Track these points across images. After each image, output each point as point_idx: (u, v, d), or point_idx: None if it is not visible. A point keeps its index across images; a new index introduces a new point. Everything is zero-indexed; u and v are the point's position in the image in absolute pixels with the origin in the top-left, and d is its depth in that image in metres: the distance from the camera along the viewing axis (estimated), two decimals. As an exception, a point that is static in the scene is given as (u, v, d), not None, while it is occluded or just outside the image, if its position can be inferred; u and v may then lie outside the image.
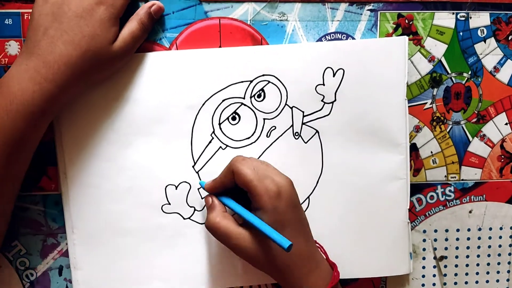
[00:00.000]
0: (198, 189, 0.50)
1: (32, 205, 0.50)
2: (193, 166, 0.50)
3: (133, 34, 0.45)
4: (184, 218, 0.50)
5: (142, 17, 0.46)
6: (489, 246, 0.55)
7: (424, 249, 0.55)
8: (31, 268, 0.51)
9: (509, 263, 0.56)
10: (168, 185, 0.50)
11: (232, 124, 0.50)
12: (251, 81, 0.49)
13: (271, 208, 0.43)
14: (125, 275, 0.50)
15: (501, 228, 0.55)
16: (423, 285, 0.55)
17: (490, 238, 0.55)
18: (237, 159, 0.45)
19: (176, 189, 0.50)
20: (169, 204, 0.50)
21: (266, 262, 0.44)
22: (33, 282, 0.51)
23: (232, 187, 0.46)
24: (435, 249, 0.55)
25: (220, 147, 0.50)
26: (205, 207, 0.48)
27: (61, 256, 0.51)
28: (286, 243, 0.41)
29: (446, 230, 0.55)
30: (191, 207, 0.50)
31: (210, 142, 0.50)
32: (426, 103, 0.52)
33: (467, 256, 0.55)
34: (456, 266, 0.55)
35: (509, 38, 0.52)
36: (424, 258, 0.55)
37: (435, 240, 0.55)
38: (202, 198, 0.50)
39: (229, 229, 0.44)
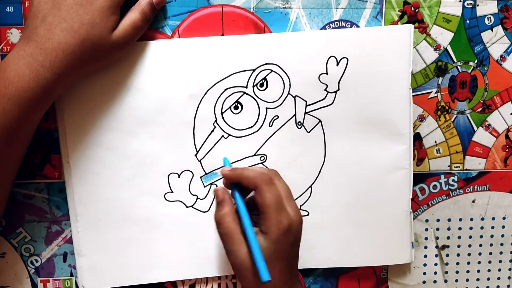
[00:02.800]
0: (201, 177, 0.50)
1: (36, 193, 0.50)
2: (195, 155, 0.50)
3: (134, 24, 0.44)
4: (187, 206, 0.51)
5: (144, 8, 0.45)
6: (492, 236, 0.55)
7: (426, 238, 0.55)
8: (36, 254, 0.52)
9: (511, 252, 0.56)
10: (171, 173, 0.50)
11: (234, 113, 0.50)
12: (253, 70, 0.49)
13: (275, 240, 0.43)
14: (129, 262, 0.51)
15: (504, 218, 0.55)
16: (424, 273, 0.55)
17: (492, 227, 0.55)
18: (267, 179, 0.45)
19: (178, 177, 0.50)
20: (172, 192, 0.50)
21: (251, 281, 0.44)
22: (37, 268, 0.52)
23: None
24: (437, 238, 0.55)
25: (223, 136, 0.50)
26: (214, 199, 0.49)
27: (66, 243, 0.52)
28: (265, 277, 0.41)
29: (449, 220, 0.54)
30: (193, 195, 0.51)
31: (212, 131, 0.50)
32: (431, 92, 0.52)
33: (469, 246, 0.55)
34: (458, 255, 0.55)
35: (517, 26, 0.51)
36: (426, 247, 0.55)
37: (437, 229, 0.55)
38: (204, 187, 0.51)
39: (234, 232, 0.45)
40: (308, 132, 0.51)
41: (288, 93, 0.50)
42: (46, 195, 0.51)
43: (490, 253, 0.55)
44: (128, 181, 0.50)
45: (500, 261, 0.56)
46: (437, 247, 0.55)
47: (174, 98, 0.49)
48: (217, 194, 0.47)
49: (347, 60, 0.49)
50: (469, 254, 0.55)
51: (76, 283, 0.52)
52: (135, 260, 0.51)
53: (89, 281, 0.51)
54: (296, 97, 0.50)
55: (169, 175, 0.50)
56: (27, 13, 0.46)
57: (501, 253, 0.56)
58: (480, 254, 0.55)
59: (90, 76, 0.47)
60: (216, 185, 0.51)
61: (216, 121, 0.50)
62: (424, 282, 0.55)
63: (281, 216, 0.43)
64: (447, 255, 0.55)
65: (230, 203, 0.46)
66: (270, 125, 0.50)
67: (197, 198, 0.51)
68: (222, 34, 0.49)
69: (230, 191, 0.47)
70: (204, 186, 0.51)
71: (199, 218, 0.51)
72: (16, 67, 0.41)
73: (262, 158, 0.51)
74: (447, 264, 0.55)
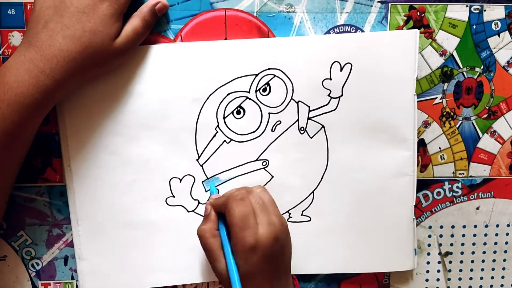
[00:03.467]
0: (203, 182, 0.50)
1: (37, 196, 0.50)
2: (197, 160, 0.50)
3: (136, 31, 0.44)
4: (188, 211, 0.50)
5: (146, 15, 0.45)
6: (495, 243, 0.55)
7: (429, 245, 0.54)
8: (37, 257, 0.51)
9: (515, 260, 0.55)
10: (173, 178, 0.50)
11: (236, 118, 0.49)
12: (256, 75, 0.48)
13: (242, 258, 0.43)
14: (130, 266, 0.51)
15: (508, 225, 0.54)
16: (427, 280, 0.55)
17: (496, 235, 0.54)
18: (237, 195, 0.45)
19: (180, 182, 0.50)
20: (173, 197, 0.50)
21: None
22: (38, 271, 0.52)
23: None
24: (440, 245, 0.54)
25: (225, 141, 0.50)
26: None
27: (67, 246, 0.51)
28: None
29: (452, 226, 0.54)
30: (195, 200, 0.50)
31: (214, 136, 0.49)
32: (436, 98, 0.51)
33: (473, 253, 0.55)
34: (461, 262, 0.55)
35: (525, 32, 0.50)
36: (429, 254, 0.54)
37: (441, 236, 0.54)
38: (206, 191, 0.50)
39: (212, 249, 0.45)
40: (311, 138, 0.50)
41: (291, 98, 0.49)
42: (47, 198, 0.50)
43: (494, 261, 0.55)
44: (129, 185, 0.50)
45: (503, 269, 0.55)
46: (440, 254, 0.54)
47: (176, 102, 0.48)
48: (206, 208, 0.48)
49: (351, 65, 0.48)
50: (472, 261, 0.55)
51: (77, 286, 0.52)
52: (136, 264, 0.51)
53: (90, 285, 0.51)
54: (299, 102, 0.49)
55: (170, 179, 0.50)
56: (29, 17, 0.46)
57: (504, 260, 0.55)
58: (483, 261, 0.55)
59: (91, 82, 0.46)
60: (218, 190, 0.50)
61: (218, 125, 0.49)
62: (426, 288, 0.55)
63: (245, 234, 0.43)
64: (450, 262, 0.55)
65: (212, 220, 0.47)
66: (272, 130, 0.50)
67: (199, 202, 0.50)
68: (225, 38, 0.48)
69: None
70: (206, 191, 0.50)
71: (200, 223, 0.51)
72: (16, 72, 0.41)
73: (264, 163, 0.50)
74: (450, 271, 0.55)
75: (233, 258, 0.44)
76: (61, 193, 0.50)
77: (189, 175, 0.50)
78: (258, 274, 0.43)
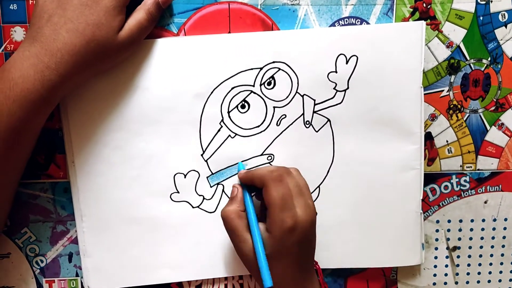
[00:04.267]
0: (207, 177, 0.50)
1: (41, 193, 0.50)
2: (201, 155, 0.49)
3: (140, 24, 0.44)
4: (193, 207, 0.50)
5: (150, 7, 0.44)
6: (504, 237, 0.54)
7: (437, 239, 0.54)
8: (41, 254, 0.51)
9: (524, 254, 0.55)
10: (177, 173, 0.49)
11: (241, 112, 0.49)
12: (261, 68, 0.48)
13: (278, 239, 0.43)
14: (134, 262, 0.50)
15: (517, 219, 0.54)
16: (434, 275, 0.54)
17: (505, 229, 0.54)
18: (275, 176, 0.44)
19: (184, 177, 0.49)
20: (178, 192, 0.50)
21: (256, 274, 0.44)
22: (43, 268, 0.51)
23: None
24: (448, 239, 0.54)
25: (229, 135, 0.49)
26: (220, 199, 0.50)
27: (71, 243, 0.51)
28: (267, 283, 0.42)
29: (460, 221, 0.53)
30: (200, 195, 0.50)
31: (219, 130, 0.49)
32: (442, 90, 0.51)
33: (481, 247, 0.54)
34: (469, 256, 0.54)
35: (532, 23, 0.50)
36: (436, 249, 0.54)
37: (448, 230, 0.53)
38: (211, 187, 0.50)
39: (238, 229, 0.45)
40: (317, 132, 0.50)
41: (296, 92, 0.49)
42: (51, 195, 0.50)
43: (502, 255, 0.54)
44: (133, 181, 0.49)
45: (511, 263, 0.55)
46: (448, 248, 0.54)
47: (180, 97, 0.48)
48: (232, 190, 0.48)
49: (357, 58, 0.48)
50: (480, 256, 0.54)
51: (81, 283, 0.52)
52: (141, 260, 0.51)
53: (95, 282, 0.50)
54: (304, 96, 0.49)
55: (175, 175, 0.49)
56: (31, 12, 0.46)
57: (513, 254, 0.55)
58: (491, 255, 0.54)
59: (95, 76, 0.46)
60: (223, 185, 0.50)
61: (222, 120, 0.49)
62: (434, 284, 0.54)
63: (285, 215, 0.42)
64: (458, 257, 0.54)
65: (239, 201, 0.46)
66: (277, 124, 0.49)
67: (204, 198, 0.50)
68: (229, 32, 0.48)
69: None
70: (211, 186, 0.50)
71: (205, 218, 0.50)
72: (21, 68, 0.41)
73: (269, 158, 0.50)
74: (458, 265, 0.54)
75: (261, 239, 0.44)
76: (65, 189, 0.50)
77: (194, 170, 0.50)
78: (288, 256, 0.43)
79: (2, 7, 0.46)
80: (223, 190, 0.50)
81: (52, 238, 0.51)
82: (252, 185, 0.46)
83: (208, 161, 0.49)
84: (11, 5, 0.46)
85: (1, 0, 0.46)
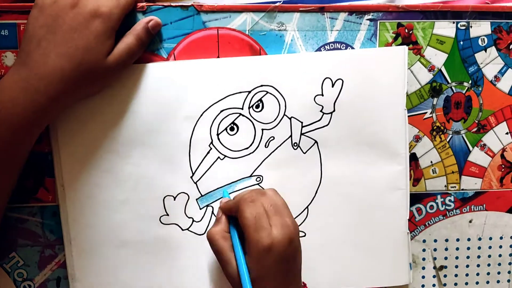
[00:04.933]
0: (197, 199, 0.50)
1: (29, 217, 0.50)
2: (191, 177, 0.50)
3: (130, 49, 0.44)
4: (182, 229, 0.50)
5: (140, 32, 0.45)
6: (489, 256, 0.55)
7: (424, 259, 0.54)
8: (29, 279, 0.51)
9: (509, 272, 0.55)
10: (166, 196, 0.50)
11: (230, 135, 0.50)
12: (249, 92, 0.49)
13: (255, 260, 0.42)
14: (123, 286, 0.50)
15: (501, 238, 0.55)
16: (422, 294, 0.55)
17: (490, 247, 0.55)
18: (247, 197, 0.45)
19: (174, 200, 0.50)
20: (167, 215, 0.50)
21: None
22: (31, 293, 0.51)
23: None
24: (434, 258, 0.54)
25: (219, 157, 0.50)
26: (209, 221, 0.50)
27: (59, 268, 0.51)
28: None
29: (446, 240, 0.54)
30: (189, 218, 0.50)
31: (208, 152, 0.50)
32: (426, 112, 0.52)
33: (467, 266, 0.55)
34: (456, 275, 0.55)
35: (510, 47, 0.52)
36: (423, 268, 0.54)
37: (435, 249, 0.54)
38: (200, 209, 0.50)
39: (223, 250, 0.44)
40: (304, 153, 0.50)
41: (284, 114, 0.50)
42: (40, 219, 0.50)
43: (488, 273, 0.55)
44: (123, 204, 0.49)
45: (498, 281, 0.55)
46: (435, 267, 0.55)
47: (169, 120, 0.49)
48: (218, 211, 0.48)
49: (342, 81, 0.49)
50: (467, 275, 0.55)
51: (69, 308, 0.51)
52: (130, 284, 0.50)
53: (83, 306, 0.50)
54: (292, 118, 0.50)
55: (164, 197, 0.50)
56: (22, 37, 0.46)
57: (498, 273, 0.55)
58: (478, 274, 0.55)
59: (84, 99, 0.47)
60: (213, 207, 0.50)
61: (212, 142, 0.49)
62: (422, 303, 0.55)
63: (259, 235, 0.42)
64: (445, 276, 0.55)
65: (223, 222, 0.46)
66: (266, 146, 0.50)
67: (193, 220, 0.50)
68: (218, 57, 0.49)
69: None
70: (200, 209, 0.50)
71: (195, 241, 0.50)
72: (10, 91, 0.41)
73: (258, 179, 0.50)
74: (445, 285, 0.55)
75: (245, 261, 0.43)
76: (53, 213, 0.50)
77: (183, 192, 0.50)
78: (270, 277, 0.42)
79: (-7, 33, 0.47)
80: (212, 212, 0.50)
81: (40, 263, 0.51)
82: (232, 214, 0.46)
83: (197, 183, 0.50)
84: (2, 30, 0.47)
85: (-8, 26, 0.47)
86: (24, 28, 0.46)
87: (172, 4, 0.48)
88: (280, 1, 0.49)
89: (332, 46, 0.50)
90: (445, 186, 0.53)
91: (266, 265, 0.42)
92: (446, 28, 0.51)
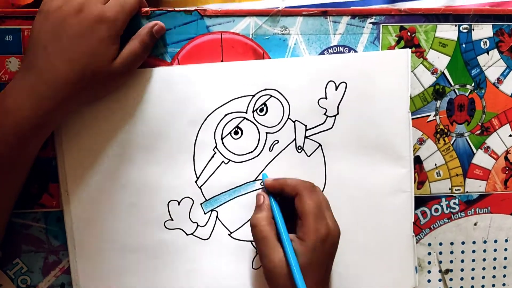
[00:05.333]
0: (201, 204, 0.50)
1: (33, 222, 0.50)
2: (195, 181, 0.50)
3: (134, 53, 0.45)
4: (187, 234, 0.50)
5: (144, 37, 0.45)
6: (495, 259, 0.55)
7: (429, 263, 0.54)
8: (33, 285, 0.50)
9: (515, 275, 0.55)
10: (171, 200, 0.50)
11: (234, 139, 0.50)
12: (253, 96, 0.49)
13: (311, 247, 0.42)
14: (128, 292, 0.50)
15: (506, 240, 0.54)
16: (428, 298, 0.55)
17: (495, 250, 0.55)
18: (308, 186, 0.45)
19: (178, 204, 0.50)
20: (172, 220, 0.50)
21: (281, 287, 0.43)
22: (34, 300, 0.51)
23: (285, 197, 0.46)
24: (440, 262, 0.54)
25: (223, 161, 0.50)
26: (214, 226, 0.50)
27: (63, 274, 0.50)
28: (302, 286, 0.41)
29: (451, 243, 0.54)
30: (194, 222, 0.50)
31: (212, 156, 0.50)
32: (429, 115, 0.52)
33: (473, 269, 0.55)
34: (462, 279, 0.55)
35: (512, 50, 0.52)
36: (429, 272, 0.54)
37: (440, 253, 0.54)
38: (205, 214, 0.50)
39: (269, 237, 0.44)
40: (308, 156, 0.50)
41: (288, 118, 0.50)
42: (44, 224, 0.50)
43: (494, 277, 0.55)
44: (127, 209, 0.49)
45: (504, 284, 0.55)
46: (440, 271, 0.54)
47: (173, 124, 0.49)
48: (258, 198, 0.48)
49: (346, 84, 0.49)
50: (472, 278, 0.55)
51: (73, 315, 0.51)
52: (135, 290, 0.50)
53: (87, 313, 0.50)
54: (296, 122, 0.50)
55: (168, 202, 0.49)
56: (26, 43, 0.46)
57: (504, 276, 0.55)
58: (483, 277, 0.55)
59: (89, 104, 0.47)
60: (217, 212, 0.50)
61: (216, 146, 0.49)
62: (428, 307, 0.55)
63: (320, 224, 0.43)
64: (451, 280, 0.54)
65: (267, 209, 0.46)
66: (270, 150, 0.50)
67: (198, 225, 0.50)
68: (222, 61, 0.49)
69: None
70: (205, 213, 0.50)
71: (200, 246, 0.50)
72: (16, 97, 0.41)
73: (262, 183, 0.50)
74: (451, 288, 0.55)
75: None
76: (57, 218, 0.50)
77: (188, 197, 0.50)
78: (318, 266, 0.43)
79: (-3, 38, 0.47)
80: (217, 217, 0.50)
81: (44, 269, 0.50)
82: (281, 193, 0.46)
83: (202, 187, 0.50)
84: (7, 36, 0.47)
85: (-4, 32, 0.47)
86: (28, 34, 0.47)
87: (176, 9, 0.48)
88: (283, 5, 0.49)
89: (335, 49, 0.50)
90: (449, 188, 0.53)
91: (318, 254, 0.43)
92: (448, 31, 0.51)
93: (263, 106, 0.49)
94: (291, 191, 0.45)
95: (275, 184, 0.47)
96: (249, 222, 0.46)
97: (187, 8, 0.48)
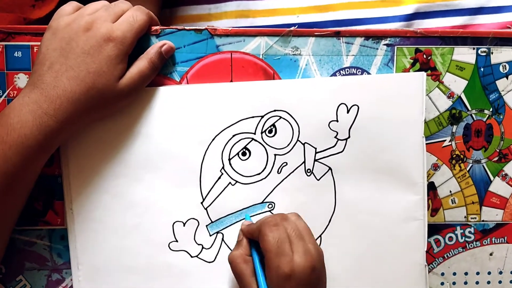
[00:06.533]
0: (207, 226, 0.49)
1: (38, 240, 0.49)
2: (201, 203, 0.49)
3: (142, 72, 0.44)
4: (191, 256, 0.49)
5: (153, 57, 0.45)
6: (511, 291, 0.52)
7: (442, 293, 0.52)
8: (35, 304, 0.50)
9: (532, 308, 0.53)
10: (176, 221, 0.49)
11: (242, 160, 0.49)
12: (262, 116, 0.48)
13: (275, 286, 0.41)
14: (130, 314, 0.49)
15: (523, 272, 0.52)
16: (440, 330, 0.52)
17: (511, 282, 0.52)
18: (271, 221, 0.44)
19: (184, 226, 0.49)
20: (177, 241, 0.49)
21: None
22: (36, 318, 0.50)
23: None
24: (453, 292, 0.52)
25: (230, 183, 0.49)
26: (219, 249, 0.49)
27: (66, 292, 0.50)
28: None
29: (466, 273, 0.52)
30: (199, 244, 0.49)
31: (219, 178, 0.49)
32: (445, 140, 0.50)
33: (488, 301, 0.53)
34: (476, 311, 0.53)
35: (533, 74, 0.50)
36: (442, 302, 0.52)
37: (454, 283, 0.52)
38: (210, 236, 0.49)
39: (244, 274, 0.43)
40: (318, 180, 0.49)
41: (297, 140, 0.49)
42: (48, 242, 0.49)
43: (510, 309, 0.53)
44: (132, 229, 0.48)
45: (520, 318, 0.53)
46: (453, 302, 0.52)
47: (181, 144, 0.48)
48: (238, 234, 0.47)
49: (358, 107, 0.48)
50: (487, 310, 0.53)
51: (75, 335, 0.50)
52: (137, 311, 0.49)
53: (89, 333, 0.49)
54: (306, 144, 0.49)
55: (174, 223, 0.49)
56: (35, 59, 0.46)
57: (521, 309, 0.53)
58: (499, 310, 0.53)
59: (95, 123, 0.46)
60: (223, 234, 0.49)
61: (223, 167, 0.48)
62: None
63: (280, 261, 0.41)
64: (465, 311, 0.52)
65: (244, 245, 0.45)
66: (278, 172, 0.49)
67: (203, 247, 0.49)
68: (231, 81, 0.48)
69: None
70: (210, 235, 0.49)
71: (204, 268, 0.49)
72: (20, 113, 0.41)
73: (270, 206, 0.49)
74: (464, 320, 0.53)
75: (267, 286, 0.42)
76: (61, 236, 0.49)
77: (193, 218, 0.49)
78: None
79: (6, 54, 0.47)
80: (222, 239, 0.49)
81: (47, 287, 0.50)
82: (252, 238, 0.45)
83: (208, 209, 0.49)
84: (16, 52, 0.47)
85: (6, 47, 0.47)
86: (37, 50, 0.46)
87: (186, 27, 0.48)
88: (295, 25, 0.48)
89: (347, 71, 0.49)
90: (464, 217, 0.51)
91: None
92: (466, 54, 0.49)
93: (272, 127, 0.48)
94: (257, 233, 0.44)
95: (245, 231, 0.46)
96: None
97: (197, 28, 0.48)
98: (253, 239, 0.45)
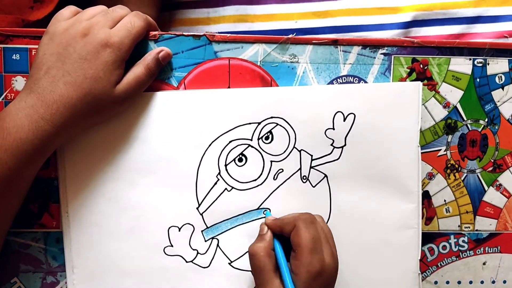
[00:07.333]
0: (202, 231, 0.49)
1: (33, 242, 0.49)
2: (197, 208, 0.49)
3: (138, 78, 0.44)
4: (186, 261, 0.49)
5: (150, 63, 0.45)
6: (503, 300, 0.53)
7: (434, 301, 0.52)
8: (29, 306, 0.50)
9: (524, 318, 0.53)
10: (171, 226, 0.49)
11: (238, 166, 0.49)
12: (259, 123, 0.48)
13: (303, 282, 0.41)
14: (124, 317, 0.49)
15: (516, 282, 0.53)
16: (433, 338, 0.53)
17: (504, 291, 0.53)
18: (307, 218, 0.44)
19: (179, 231, 0.49)
20: (172, 246, 0.49)
21: None
22: (30, 321, 0.50)
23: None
24: (446, 301, 0.52)
25: (226, 188, 0.49)
26: (214, 254, 0.49)
27: (60, 295, 0.50)
28: None
29: (459, 282, 0.52)
30: (193, 250, 0.49)
31: (215, 183, 0.49)
32: (440, 150, 0.51)
33: (480, 310, 0.53)
34: (468, 319, 0.53)
35: (528, 86, 0.50)
36: (434, 310, 0.53)
37: (447, 291, 0.52)
38: (205, 241, 0.49)
39: (266, 268, 0.43)
40: (313, 187, 0.49)
41: (294, 147, 0.49)
42: (43, 244, 0.49)
43: (502, 319, 0.53)
44: (127, 233, 0.48)
45: (512, 327, 0.53)
46: (446, 310, 0.53)
47: (177, 149, 0.48)
48: (261, 227, 0.47)
49: (354, 115, 0.48)
50: (479, 319, 0.53)
51: (68, 338, 0.50)
52: (131, 315, 0.49)
53: (82, 337, 0.49)
54: (302, 151, 0.49)
55: (169, 228, 0.49)
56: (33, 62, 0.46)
57: (513, 318, 0.53)
58: (491, 319, 0.53)
59: (91, 128, 0.46)
60: (218, 240, 0.49)
61: (219, 173, 0.49)
62: None
63: (313, 259, 0.42)
64: (457, 320, 0.53)
65: (269, 239, 0.45)
66: (274, 179, 0.49)
67: (198, 253, 0.49)
68: (229, 87, 0.48)
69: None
70: (205, 241, 0.49)
71: (199, 274, 0.49)
72: (16, 118, 0.41)
73: (265, 212, 0.49)
74: (457, 329, 0.53)
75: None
76: (57, 239, 0.49)
77: (189, 223, 0.49)
78: None
79: (4, 57, 0.47)
80: (217, 245, 0.49)
81: (42, 289, 0.50)
82: (281, 232, 0.45)
83: (203, 214, 0.49)
84: (14, 55, 0.47)
85: (4, 50, 0.47)
86: (35, 53, 0.46)
87: (184, 33, 0.48)
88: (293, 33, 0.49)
89: (344, 79, 0.49)
90: (458, 226, 0.52)
91: None
92: (462, 65, 0.50)
93: (268, 134, 0.49)
94: (289, 226, 0.44)
95: (273, 225, 0.46)
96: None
97: (196, 34, 0.48)
98: (282, 233, 0.45)
